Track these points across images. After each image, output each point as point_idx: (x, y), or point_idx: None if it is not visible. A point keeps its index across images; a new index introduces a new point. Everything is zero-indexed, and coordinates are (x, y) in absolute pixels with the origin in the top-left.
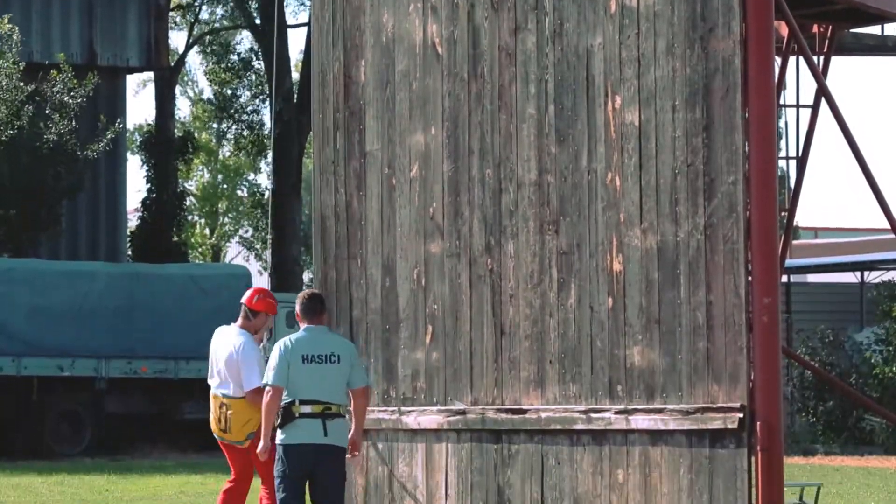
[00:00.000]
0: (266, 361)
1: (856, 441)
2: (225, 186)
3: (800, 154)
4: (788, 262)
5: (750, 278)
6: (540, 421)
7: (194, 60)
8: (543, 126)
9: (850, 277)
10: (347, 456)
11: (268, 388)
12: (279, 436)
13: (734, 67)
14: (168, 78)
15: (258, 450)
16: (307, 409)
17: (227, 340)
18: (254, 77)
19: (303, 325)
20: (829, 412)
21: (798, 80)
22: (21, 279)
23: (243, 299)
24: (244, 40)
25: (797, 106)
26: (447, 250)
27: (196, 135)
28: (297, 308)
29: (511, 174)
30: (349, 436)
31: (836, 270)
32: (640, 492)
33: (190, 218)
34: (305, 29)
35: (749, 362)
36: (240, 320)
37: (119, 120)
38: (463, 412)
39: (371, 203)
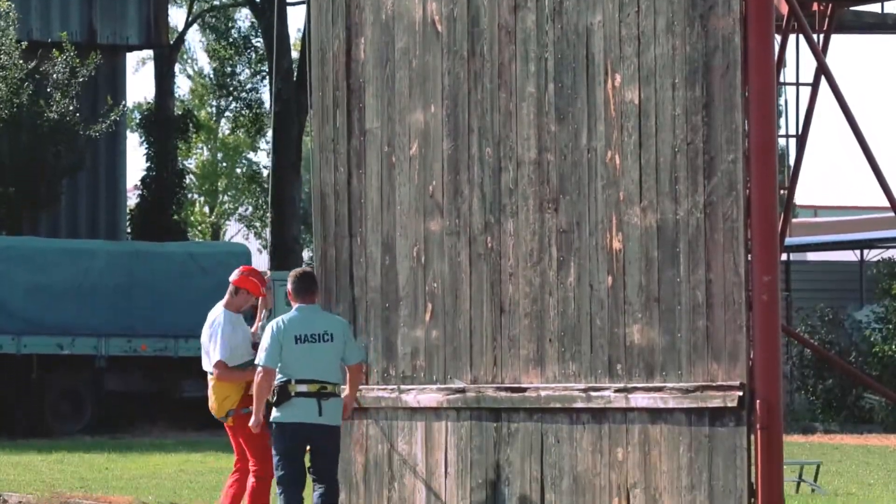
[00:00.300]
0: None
1: (855, 419)
2: (224, 165)
3: (799, 132)
4: (788, 240)
5: (749, 256)
6: (539, 399)
7: (194, 38)
8: (543, 104)
9: (850, 256)
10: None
11: (259, 369)
12: (275, 413)
13: (734, 45)
14: (168, 56)
15: (250, 423)
16: (303, 388)
17: (210, 317)
18: (253, 55)
19: (295, 305)
20: (828, 390)
21: (798, 58)
22: (21, 257)
23: (231, 277)
24: (244, 18)
25: (797, 84)
26: (447, 228)
27: (195, 113)
28: (289, 287)
29: (511, 152)
30: (342, 397)
31: (836, 249)
32: (639, 470)
33: (189, 196)
34: (305, 6)
35: (749, 340)
36: (226, 297)
37: (123, 102)
38: (462, 390)
39: (371, 181)
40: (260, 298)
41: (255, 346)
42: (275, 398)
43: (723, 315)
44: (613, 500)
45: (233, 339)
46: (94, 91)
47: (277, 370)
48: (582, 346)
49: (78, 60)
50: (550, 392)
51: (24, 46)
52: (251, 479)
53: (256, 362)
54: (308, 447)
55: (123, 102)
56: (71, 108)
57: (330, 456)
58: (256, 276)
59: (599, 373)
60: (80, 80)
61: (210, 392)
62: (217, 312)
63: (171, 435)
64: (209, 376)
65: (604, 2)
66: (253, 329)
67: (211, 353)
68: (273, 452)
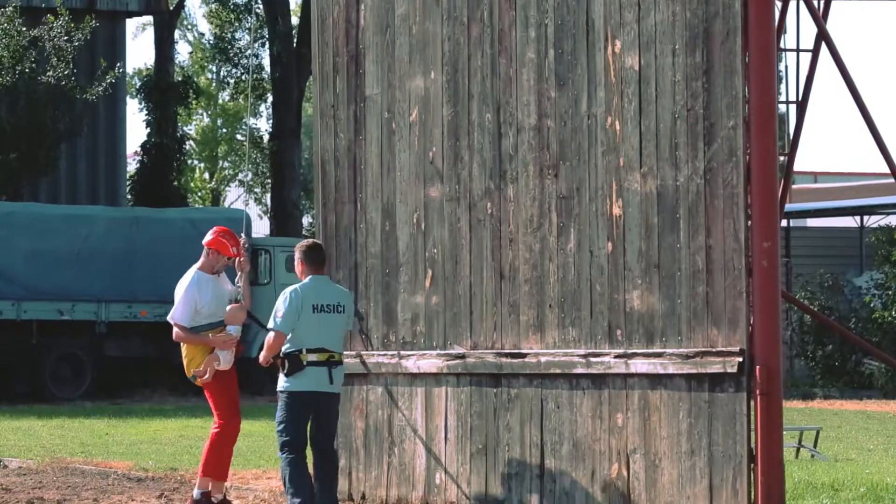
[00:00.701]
0: (233, 300)
1: (854, 385)
2: (224, 131)
3: (800, 98)
4: (788, 206)
5: (749, 223)
6: (539, 365)
7: (194, 4)
8: (543, 70)
9: (850, 222)
10: None
11: (271, 334)
12: (284, 383)
13: (734, 11)
14: (167, 21)
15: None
16: (314, 357)
17: (183, 277)
18: (254, 20)
19: (307, 274)
20: (828, 356)
21: (798, 24)
22: (21, 223)
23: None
24: None
25: (797, 50)
26: (447, 194)
27: (195, 79)
28: (301, 257)
29: (511, 118)
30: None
31: (836, 215)
32: (639, 435)
33: (189, 162)
34: None
35: (748, 306)
36: (200, 259)
37: (119, 65)
38: (462, 356)
39: (371, 147)
40: (236, 261)
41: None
42: (286, 368)
43: (723, 281)
44: (613, 465)
45: (199, 301)
46: (92, 57)
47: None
48: (582, 311)
49: (73, 24)
50: (550, 358)
51: (19, 13)
52: (212, 433)
53: (270, 327)
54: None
55: (119, 64)
56: (67, 71)
57: (334, 421)
58: (228, 237)
59: (599, 338)
60: (76, 44)
61: (182, 350)
62: (190, 272)
63: (171, 400)
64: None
65: None
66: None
67: (172, 310)
68: (280, 419)
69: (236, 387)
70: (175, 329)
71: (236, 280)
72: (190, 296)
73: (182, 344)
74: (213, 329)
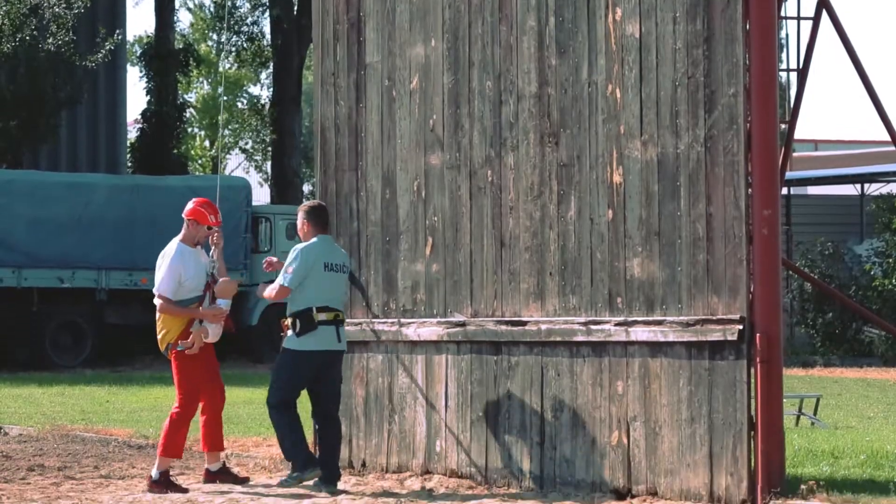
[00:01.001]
0: (209, 273)
1: (855, 353)
2: (225, 98)
3: (800, 66)
4: (788, 174)
5: (750, 190)
6: (540, 333)
7: None
8: (544, 38)
9: (850, 190)
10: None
11: (277, 285)
12: (295, 342)
13: None
14: None
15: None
16: (323, 316)
17: (165, 249)
18: None
19: (313, 234)
20: (828, 324)
21: None
22: (21, 191)
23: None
24: None
25: (798, 18)
26: (447, 162)
27: (196, 47)
28: (306, 217)
29: (511, 86)
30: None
31: (836, 183)
32: (639, 403)
33: (190, 130)
34: None
35: (749, 274)
36: (182, 231)
37: (118, 31)
38: (463, 324)
39: (371, 115)
40: (211, 236)
41: (213, 281)
42: (298, 327)
43: (723, 249)
44: (613, 433)
45: (183, 273)
46: (93, 25)
47: (296, 296)
48: (582, 279)
49: None
50: (551, 325)
51: None
52: (171, 413)
53: (280, 282)
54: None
55: (118, 32)
56: (68, 39)
57: (339, 383)
58: (206, 208)
59: (600, 306)
60: (76, 11)
61: (157, 323)
62: (172, 245)
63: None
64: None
65: None
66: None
67: (156, 283)
68: (281, 376)
69: (213, 368)
70: (160, 302)
71: (210, 254)
72: (174, 268)
73: (158, 316)
74: (193, 304)
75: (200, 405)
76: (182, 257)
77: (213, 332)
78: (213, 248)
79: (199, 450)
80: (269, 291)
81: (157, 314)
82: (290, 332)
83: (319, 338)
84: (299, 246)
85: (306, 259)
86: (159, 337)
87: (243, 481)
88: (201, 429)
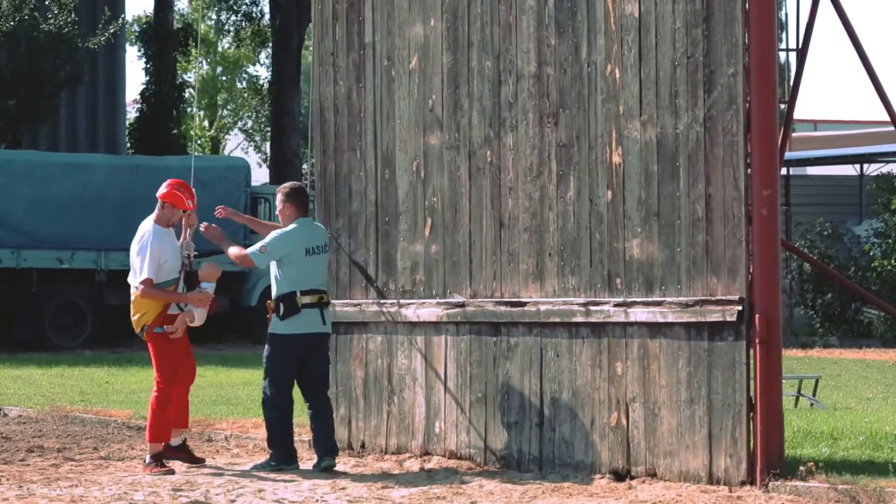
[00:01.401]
0: (184, 256)
1: (854, 333)
2: (224, 78)
3: (800, 46)
4: (788, 154)
5: (749, 171)
6: (539, 314)
7: None
8: (543, 17)
9: (850, 170)
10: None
11: (246, 256)
12: (280, 326)
13: None
14: None
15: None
16: (307, 299)
17: (139, 231)
18: None
19: (294, 217)
20: (827, 305)
21: None
22: (20, 171)
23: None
24: None
25: None
26: (446, 142)
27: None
28: (287, 199)
29: (510, 66)
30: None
31: (836, 163)
32: (638, 384)
33: (189, 110)
34: None
35: (748, 255)
36: (155, 212)
37: (122, 15)
38: (462, 305)
39: (370, 95)
40: (185, 217)
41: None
42: (281, 311)
43: (722, 229)
44: (612, 414)
45: (161, 255)
46: (92, 4)
47: (280, 280)
48: (581, 260)
49: None
50: (550, 306)
51: None
52: (152, 398)
53: (251, 252)
54: (303, 360)
55: (123, 16)
56: (69, 19)
57: (327, 364)
58: (182, 190)
59: (599, 287)
60: None
61: (131, 306)
62: (147, 227)
63: None
64: (132, 290)
65: None
66: (179, 241)
67: (137, 269)
68: (273, 365)
69: (187, 347)
70: (143, 287)
71: (182, 238)
72: (154, 251)
73: (133, 300)
74: (169, 286)
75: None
76: (160, 239)
77: (199, 316)
78: (185, 230)
79: (198, 430)
80: (239, 252)
81: (133, 296)
82: (274, 317)
83: (304, 321)
84: (284, 229)
85: (286, 245)
86: (135, 319)
87: (199, 461)
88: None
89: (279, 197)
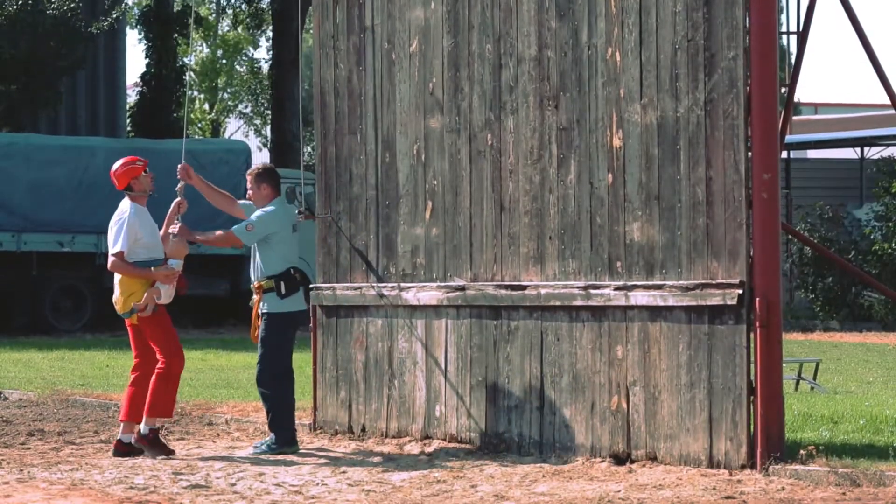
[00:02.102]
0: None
1: (854, 317)
2: (224, 62)
3: (800, 29)
4: (788, 137)
5: (750, 154)
6: (539, 297)
7: None
8: (543, 0)
9: (850, 153)
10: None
11: (230, 235)
12: (280, 304)
13: None
14: None
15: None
16: (298, 276)
17: (118, 209)
18: None
19: (272, 198)
20: (827, 288)
21: None
22: (21, 154)
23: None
24: None
25: None
26: (447, 126)
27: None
28: (266, 181)
29: (511, 49)
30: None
31: (836, 146)
32: (638, 368)
33: (189, 93)
34: None
35: (748, 238)
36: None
37: (125, 3)
38: (462, 288)
39: (370, 78)
40: (175, 203)
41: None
42: (284, 289)
43: (723, 213)
44: (613, 397)
45: (139, 231)
46: None
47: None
48: (582, 243)
49: None
50: (550, 290)
51: None
52: (156, 371)
53: (237, 229)
54: None
55: (125, 3)
56: (73, 4)
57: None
58: (131, 162)
59: (599, 270)
60: None
61: (116, 286)
62: (126, 205)
63: None
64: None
65: None
66: (166, 221)
67: (111, 241)
68: (273, 344)
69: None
70: (114, 259)
71: (171, 212)
72: (132, 225)
73: (118, 279)
74: (152, 265)
75: (136, 364)
76: (139, 217)
77: (166, 294)
78: (176, 214)
79: (198, 414)
80: (222, 233)
81: (117, 278)
82: (267, 297)
83: (299, 298)
84: (271, 210)
85: (271, 225)
86: (122, 300)
87: (169, 452)
88: (129, 389)
89: (254, 179)
